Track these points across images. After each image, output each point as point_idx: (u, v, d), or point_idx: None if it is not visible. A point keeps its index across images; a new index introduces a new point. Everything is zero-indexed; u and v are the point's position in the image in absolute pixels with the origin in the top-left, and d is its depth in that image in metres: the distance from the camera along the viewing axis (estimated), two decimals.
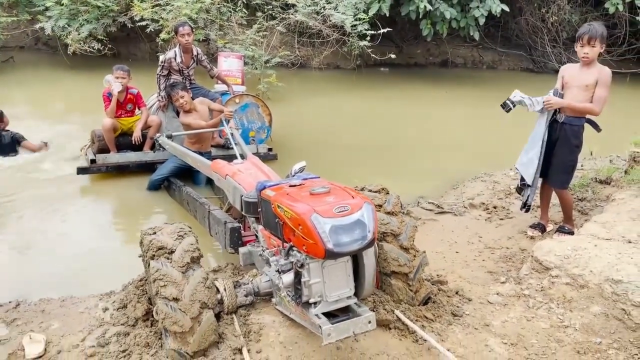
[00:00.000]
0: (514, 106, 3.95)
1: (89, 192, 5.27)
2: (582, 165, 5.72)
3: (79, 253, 4.09)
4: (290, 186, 2.60)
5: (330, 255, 2.20)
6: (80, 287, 3.57)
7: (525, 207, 4.17)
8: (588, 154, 6.21)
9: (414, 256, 2.97)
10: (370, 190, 3.19)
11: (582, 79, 3.77)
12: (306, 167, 3.18)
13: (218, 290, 2.84)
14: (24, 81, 9.78)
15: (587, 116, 3.90)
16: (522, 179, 4.11)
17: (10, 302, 3.27)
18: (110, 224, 4.70)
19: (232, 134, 4.93)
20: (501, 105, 4.01)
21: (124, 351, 2.69)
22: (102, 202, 5.14)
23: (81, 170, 5.40)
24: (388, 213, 3.03)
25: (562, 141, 3.91)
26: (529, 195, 4.10)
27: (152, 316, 2.91)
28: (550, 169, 4.01)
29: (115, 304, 3.15)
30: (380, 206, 3.06)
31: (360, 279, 2.55)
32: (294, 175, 2.92)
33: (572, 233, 3.96)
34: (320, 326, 2.30)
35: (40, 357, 2.70)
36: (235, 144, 4.69)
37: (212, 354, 2.59)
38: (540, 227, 4.21)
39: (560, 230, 4.08)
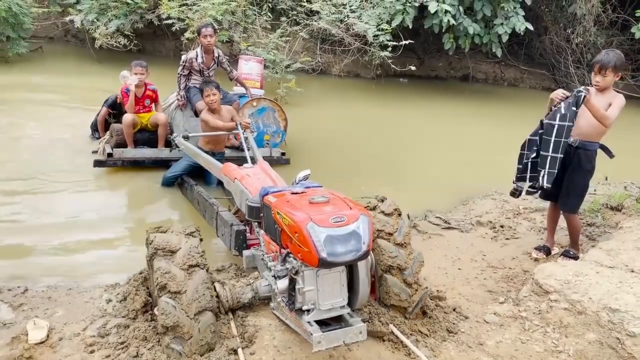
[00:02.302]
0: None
1: (103, 185, 5.38)
2: (595, 190, 5.68)
3: (89, 244, 4.20)
4: (292, 194, 2.65)
5: (324, 264, 2.25)
6: (87, 278, 3.68)
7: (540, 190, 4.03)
8: (602, 179, 6.16)
9: (416, 290, 3.01)
10: (382, 212, 3.14)
11: (597, 104, 3.77)
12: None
13: (217, 290, 2.91)
14: (50, 71, 10.02)
15: (600, 141, 3.89)
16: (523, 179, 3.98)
17: (18, 287, 3.38)
18: (122, 217, 4.80)
19: (246, 138, 5.01)
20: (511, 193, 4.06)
21: (122, 343, 2.77)
22: (116, 195, 5.25)
23: (98, 163, 5.54)
24: (397, 244, 3.01)
25: (576, 165, 3.89)
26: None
27: (151, 309, 2.99)
28: (562, 192, 3.99)
29: (118, 296, 3.25)
30: (391, 234, 3.03)
31: (354, 290, 2.59)
32: (297, 183, 2.97)
33: (576, 258, 3.93)
34: (311, 333, 2.34)
35: (42, 342, 2.79)
36: (248, 148, 4.77)
37: (208, 353, 2.65)
38: (545, 250, 4.20)
39: (565, 254, 4.06)
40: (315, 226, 2.26)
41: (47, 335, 2.85)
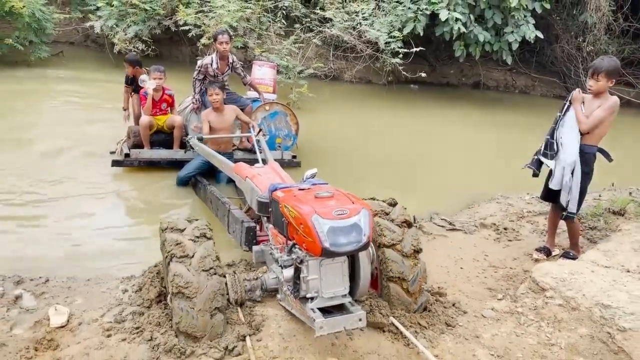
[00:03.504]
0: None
1: (120, 184, 5.59)
2: (600, 196, 5.78)
3: (107, 238, 4.40)
4: (299, 190, 2.82)
5: (326, 253, 2.41)
6: (105, 270, 3.87)
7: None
8: (609, 185, 6.24)
9: (416, 298, 3.15)
10: (393, 221, 3.22)
11: (589, 108, 3.91)
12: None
13: (227, 284, 3.08)
14: (70, 74, 10.34)
15: (600, 145, 4.01)
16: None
17: (40, 277, 3.57)
18: (137, 214, 5.01)
19: (258, 140, 5.21)
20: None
21: (137, 328, 2.95)
22: (133, 193, 5.45)
23: (115, 163, 5.77)
24: (404, 255, 3.10)
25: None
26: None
27: (165, 299, 3.17)
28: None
29: (134, 287, 3.43)
30: (398, 242, 3.11)
31: (356, 281, 2.75)
32: (305, 181, 3.14)
33: (576, 259, 4.04)
34: (314, 319, 2.50)
35: (63, 326, 2.98)
36: (260, 150, 4.96)
37: (217, 339, 2.82)
38: (546, 251, 4.31)
39: (565, 255, 4.17)
40: (320, 218, 2.42)
41: (67, 320, 3.03)
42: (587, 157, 3.98)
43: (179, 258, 2.80)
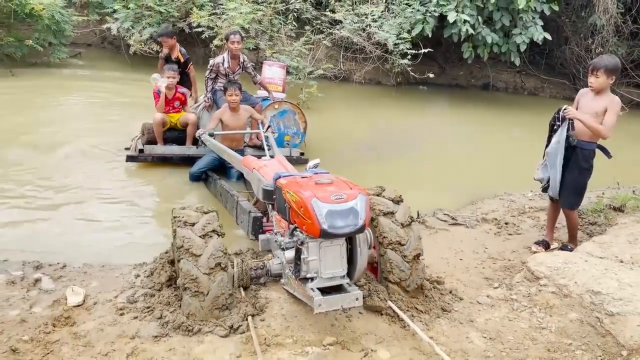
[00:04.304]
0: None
1: (135, 179, 5.80)
2: (603, 193, 5.86)
3: (121, 228, 4.60)
4: (302, 177, 2.99)
5: (324, 235, 2.57)
6: (119, 257, 4.06)
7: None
8: (613, 183, 6.31)
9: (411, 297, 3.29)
10: (396, 221, 3.31)
11: (592, 107, 4.00)
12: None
13: (234, 266, 3.26)
14: (88, 74, 10.65)
15: (598, 141, 4.12)
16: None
17: (58, 263, 3.77)
18: (150, 206, 5.20)
19: (266, 137, 5.39)
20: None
21: (148, 307, 3.14)
22: (146, 187, 5.65)
23: (130, 158, 5.98)
24: (404, 257, 3.20)
25: (573, 164, 4.11)
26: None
27: (175, 282, 3.35)
28: (562, 189, 4.21)
29: (145, 272, 3.62)
30: (401, 245, 3.20)
31: (353, 263, 2.90)
32: (308, 170, 3.31)
33: (547, 247, 4.20)
34: (313, 298, 2.67)
35: (79, 305, 3.18)
36: (269, 147, 5.15)
37: (223, 317, 2.99)
38: (545, 244, 4.42)
39: (563, 248, 4.28)
40: (318, 202, 2.59)
41: (83, 300, 3.23)
42: (586, 154, 4.07)
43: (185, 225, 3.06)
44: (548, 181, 4.23)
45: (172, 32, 6.97)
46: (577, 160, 4.09)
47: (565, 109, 4.04)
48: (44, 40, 10.63)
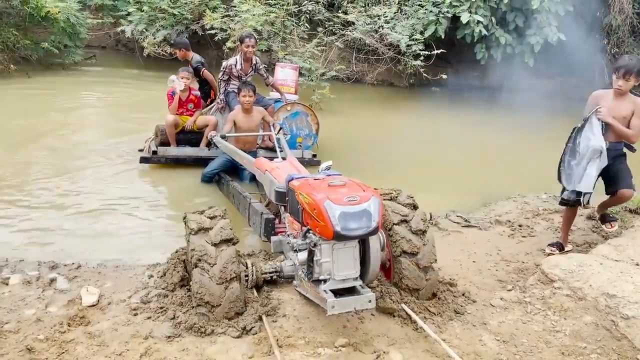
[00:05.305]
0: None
1: (148, 180, 5.86)
2: None
3: (135, 229, 4.64)
4: (314, 179, 2.99)
5: (338, 237, 2.57)
6: (132, 258, 4.10)
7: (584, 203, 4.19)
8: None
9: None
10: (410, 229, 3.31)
11: (619, 110, 3.94)
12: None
13: (247, 267, 3.27)
14: (102, 76, 10.76)
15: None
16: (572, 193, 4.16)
17: (73, 263, 3.82)
18: (163, 208, 5.24)
19: (278, 139, 5.40)
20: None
21: (161, 308, 3.16)
22: (159, 188, 5.71)
23: (143, 160, 6.03)
24: (419, 266, 3.21)
25: (613, 159, 4.02)
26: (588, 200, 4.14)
27: (187, 283, 3.38)
28: (616, 178, 4.11)
29: (159, 273, 3.65)
30: (415, 255, 3.19)
31: (366, 266, 2.90)
32: (320, 172, 3.31)
33: (615, 220, 4.25)
34: (326, 299, 2.67)
35: (94, 305, 3.21)
36: (280, 149, 5.16)
37: (236, 319, 3.00)
38: (559, 246, 4.36)
39: (604, 219, 4.33)
40: (332, 204, 2.59)
41: (98, 300, 3.27)
42: (616, 154, 4.04)
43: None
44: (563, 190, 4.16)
45: (179, 43, 6.95)
46: (615, 156, 4.04)
47: (598, 111, 3.98)
48: (59, 42, 10.79)
